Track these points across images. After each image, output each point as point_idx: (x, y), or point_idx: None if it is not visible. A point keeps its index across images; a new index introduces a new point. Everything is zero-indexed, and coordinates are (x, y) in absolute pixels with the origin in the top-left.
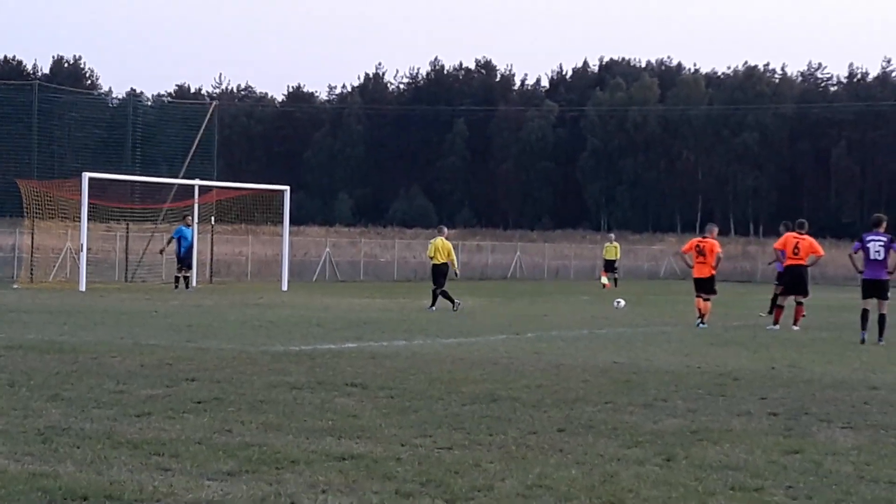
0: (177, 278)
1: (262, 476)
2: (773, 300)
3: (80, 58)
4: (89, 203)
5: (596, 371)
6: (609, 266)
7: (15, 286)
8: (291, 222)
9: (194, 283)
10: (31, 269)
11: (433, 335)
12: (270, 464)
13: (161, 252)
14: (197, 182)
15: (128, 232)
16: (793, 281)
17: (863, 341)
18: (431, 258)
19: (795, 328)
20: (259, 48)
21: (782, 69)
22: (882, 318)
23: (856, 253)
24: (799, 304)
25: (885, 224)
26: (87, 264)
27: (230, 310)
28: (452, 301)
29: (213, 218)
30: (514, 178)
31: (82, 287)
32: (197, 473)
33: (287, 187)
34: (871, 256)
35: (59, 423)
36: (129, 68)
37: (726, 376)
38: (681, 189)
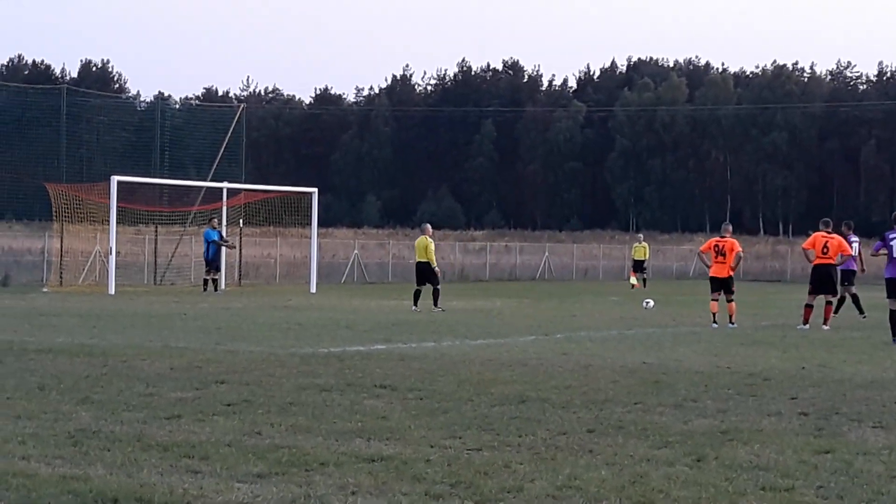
0: (205, 281)
1: (291, 478)
2: (852, 299)
3: (108, 61)
4: (118, 206)
5: (625, 372)
6: (638, 266)
7: (45, 290)
8: (319, 224)
9: (223, 286)
10: (61, 273)
11: (462, 336)
12: (300, 466)
13: (231, 247)
14: (225, 185)
15: (156, 235)
16: (821, 280)
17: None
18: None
19: (825, 328)
20: (286, 51)
21: (811, 68)
22: None
23: (877, 253)
24: (828, 303)
25: None
26: (116, 267)
27: (259, 312)
28: (415, 302)
29: (241, 220)
30: (542, 179)
31: (111, 290)
32: (227, 476)
33: (315, 189)
34: (894, 255)
35: (90, 426)
36: (157, 72)
37: (756, 376)
38: (710, 189)
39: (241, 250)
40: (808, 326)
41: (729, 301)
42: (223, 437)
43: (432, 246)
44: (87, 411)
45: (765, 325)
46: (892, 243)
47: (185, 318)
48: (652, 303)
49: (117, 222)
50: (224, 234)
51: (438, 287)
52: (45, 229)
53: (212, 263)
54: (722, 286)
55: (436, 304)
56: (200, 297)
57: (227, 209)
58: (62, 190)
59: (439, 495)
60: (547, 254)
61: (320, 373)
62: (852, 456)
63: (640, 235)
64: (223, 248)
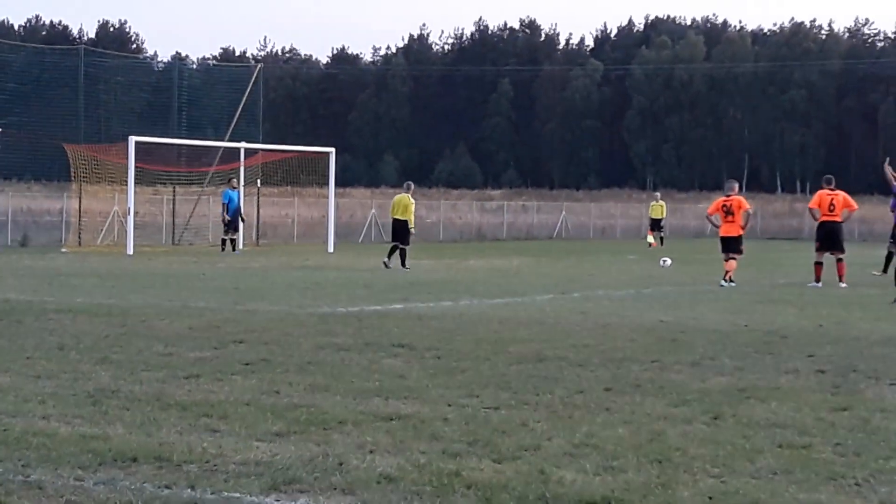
0: (223, 241)
1: (310, 437)
2: (888, 258)
3: (125, 22)
4: (136, 167)
5: (643, 330)
6: (655, 225)
7: (63, 250)
8: (337, 184)
9: (241, 246)
10: (79, 234)
11: (479, 296)
12: (318, 424)
13: (242, 219)
14: (242, 145)
15: (174, 195)
16: (829, 238)
17: None
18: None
19: (843, 285)
20: (303, 10)
21: (829, 25)
22: None
23: (893, 210)
24: (839, 260)
25: None
26: (135, 228)
27: (277, 272)
28: (389, 256)
29: (258, 180)
30: (559, 138)
31: (130, 250)
32: (245, 435)
33: (332, 149)
34: None
35: (109, 385)
36: (175, 32)
37: (774, 334)
38: (727, 147)
39: (258, 210)
40: (820, 284)
41: (731, 259)
42: (242, 396)
43: (413, 206)
44: (106, 371)
45: (782, 283)
46: None
47: (203, 278)
48: (669, 261)
49: (135, 183)
50: (242, 193)
51: (406, 248)
52: (63, 190)
53: (230, 223)
54: (732, 245)
55: (403, 264)
56: (218, 256)
57: (245, 169)
58: (80, 151)
59: (457, 454)
60: (564, 213)
61: (338, 332)
62: (869, 413)
63: (658, 194)
64: (241, 209)
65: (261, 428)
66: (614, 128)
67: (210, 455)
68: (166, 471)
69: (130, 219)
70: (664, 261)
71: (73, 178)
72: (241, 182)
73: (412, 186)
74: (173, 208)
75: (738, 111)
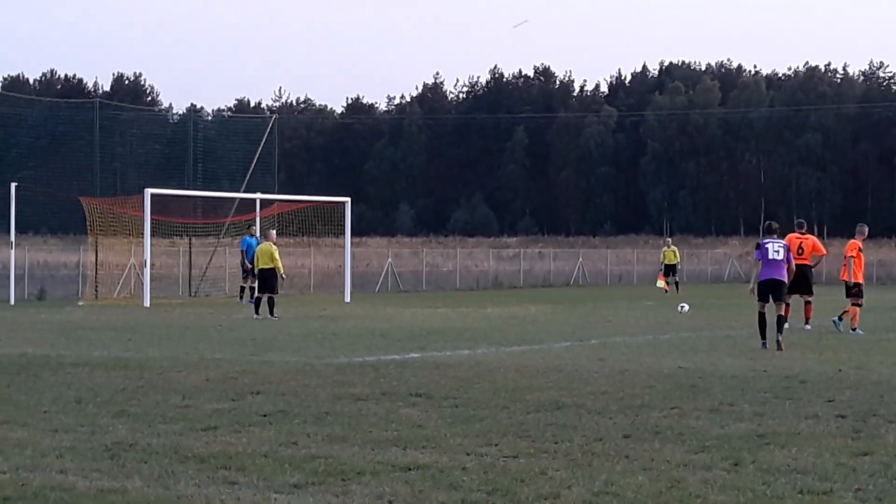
0: (242, 288)
1: (328, 488)
2: None
3: (140, 74)
4: (152, 219)
5: (661, 376)
6: (669, 270)
7: (80, 303)
8: (353, 234)
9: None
10: (96, 286)
11: (497, 344)
12: (336, 475)
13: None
14: (258, 195)
15: (191, 247)
16: (796, 280)
17: (765, 346)
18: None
19: (808, 327)
20: (317, 61)
21: (843, 69)
22: (780, 319)
23: (758, 262)
24: (807, 303)
25: (778, 231)
26: (151, 280)
27: (294, 322)
28: (266, 309)
29: (274, 231)
30: (574, 185)
31: (146, 303)
32: (264, 486)
33: (348, 199)
34: (770, 256)
35: (127, 438)
36: (189, 84)
37: (793, 379)
38: (743, 192)
39: None
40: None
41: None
42: (259, 447)
43: (277, 252)
44: (123, 424)
45: (800, 328)
46: (767, 246)
47: (220, 330)
48: (687, 307)
49: (151, 235)
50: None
51: (274, 296)
52: (79, 243)
53: (250, 270)
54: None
55: (271, 313)
56: (235, 308)
57: (261, 220)
58: (96, 204)
59: (476, 503)
60: (581, 259)
61: (355, 382)
62: (891, 458)
63: (669, 239)
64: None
65: (279, 479)
66: (629, 174)
67: None
68: None
69: (147, 271)
70: (682, 306)
71: (89, 232)
72: (258, 233)
73: (272, 234)
74: (190, 260)
75: (753, 156)
